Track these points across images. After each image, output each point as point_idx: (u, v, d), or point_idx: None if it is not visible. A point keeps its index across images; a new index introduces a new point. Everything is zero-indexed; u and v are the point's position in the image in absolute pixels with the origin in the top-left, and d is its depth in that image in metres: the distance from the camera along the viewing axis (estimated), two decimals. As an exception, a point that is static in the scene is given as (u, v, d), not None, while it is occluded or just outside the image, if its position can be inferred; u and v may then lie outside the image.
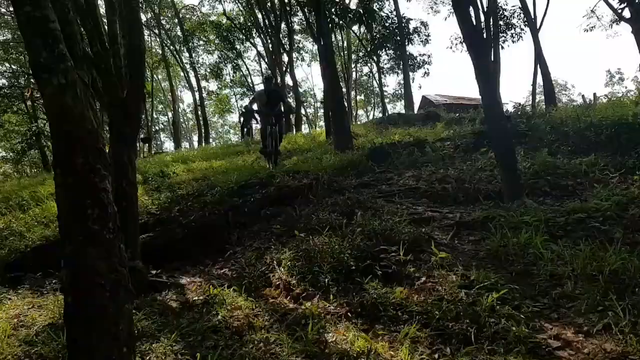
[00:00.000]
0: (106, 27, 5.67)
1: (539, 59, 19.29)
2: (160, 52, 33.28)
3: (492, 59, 19.64)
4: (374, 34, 26.71)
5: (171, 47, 31.98)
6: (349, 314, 3.99)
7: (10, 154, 26.86)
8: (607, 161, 7.17)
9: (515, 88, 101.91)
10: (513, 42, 23.60)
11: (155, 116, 42.10)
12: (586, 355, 3.01)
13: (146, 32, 29.69)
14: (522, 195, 6.31)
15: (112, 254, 2.18)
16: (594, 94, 19.41)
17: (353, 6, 22.52)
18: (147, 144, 30.42)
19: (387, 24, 26.03)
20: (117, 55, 5.31)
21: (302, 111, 31.97)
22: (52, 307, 4.45)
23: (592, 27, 24.86)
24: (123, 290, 2.20)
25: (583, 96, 20.46)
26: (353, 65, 37.85)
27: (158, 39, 32.60)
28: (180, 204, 7.79)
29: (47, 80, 2.13)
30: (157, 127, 45.58)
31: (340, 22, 20.13)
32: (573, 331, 3.34)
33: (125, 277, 2.24)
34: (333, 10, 17.54)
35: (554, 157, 7.84)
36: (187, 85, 36.83)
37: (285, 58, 28.42)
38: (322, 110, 45.31)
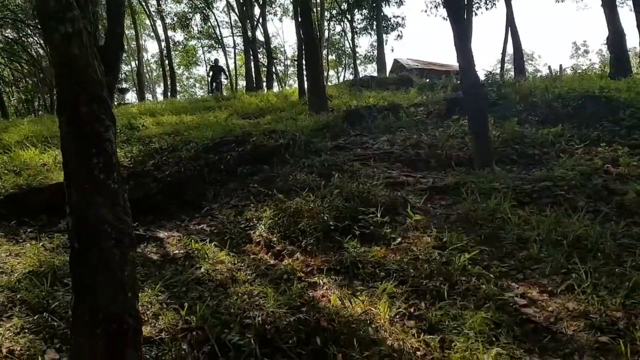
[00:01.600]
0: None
1: (511, 27, 19.48)
2: (125, -2, 31.71)
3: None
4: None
5: (138, -6, 30.51)
6: (329, 270, 4.18)
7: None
8: (573, 132, 7.50)
9: (484, 56, 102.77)
10: (487, 9, 23.70)
11: (119, 65, 40.40)
12: (550, 313, 3.30)
13: (110, -24, 28.10)
14: (491, 162, 6.57)
15: (117, 203, 2.24)
16: (560, 66, 19.88)
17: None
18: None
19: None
20: (95, 2, 5.11)
21: (273, 68, 31.32)
22: (32, 255, 4.44)
23: (564, -2, 25.14)
24: (127, 238, 2.27)
25: (549, 67, 20.88)
26: (326, 24, 37.19)
27: (123, -16, 30.97)
28: (154, 158, 7.71)
29: (54, 28, 2.12)
30: (120, 77, 43.89)
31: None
32: (538, 291, 3.64)
33: (129, 226, 2.30)
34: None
35: (522, 126, 8.14)
36: (152, 34, 35.48)
37: (257, 11, 27.65)
38: (292, 68, 44.74)
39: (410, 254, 4.24)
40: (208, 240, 4.98)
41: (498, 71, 22.53)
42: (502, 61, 24.32)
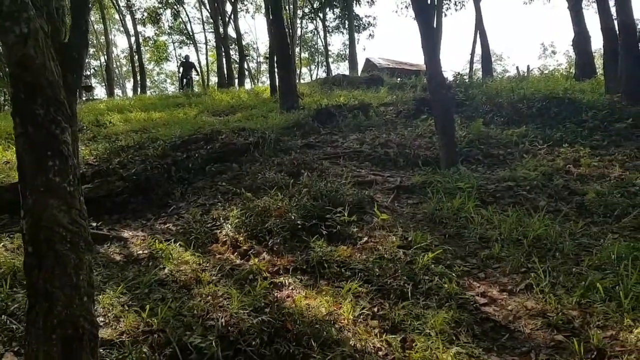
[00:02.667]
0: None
1: (479, 29, 19.86)
2: (94, -9, 30.93)
3: (435, 26, 20.06)
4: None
5: (106, -13, 29.80)
6: (295, 270, 4.18)
7: None
8: (537, 133, 7.71)
9: (454, 57, 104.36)
10: (456, 10, 24.10)
11: (86, 60, 39.47)
12: (509, 312, 3.39)
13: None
14: (457, 162, 6.69)
15: (73, 206, 2.18)
16: (528, 66, 20.41)
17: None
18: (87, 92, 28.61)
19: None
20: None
21: (245, 65, 31.05)
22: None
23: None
24: (83, 241, 2.22)
25: (517, 67, 21.36)
26: (298, 21, 37.12)
27: (92, -23, 30.23)
28: (120, 156, 7.57)
29: (9, 28, 2.05)
30: (88, 72, 42.79)
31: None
32: (498, 289, 3.72)
33: (85, 229, 2.25)
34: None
35: (488, 127, 8.32)
36: (121, 29, 34.71)
37: (228, 7, 27.37)
38: (264, 65, 44.45)
39: (375, 253, 4.27)
40: (173, 240, 4.91)
41: (467, 72, 22.97)
42: (471, 62, 24.76)
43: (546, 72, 19.15)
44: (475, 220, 4.81)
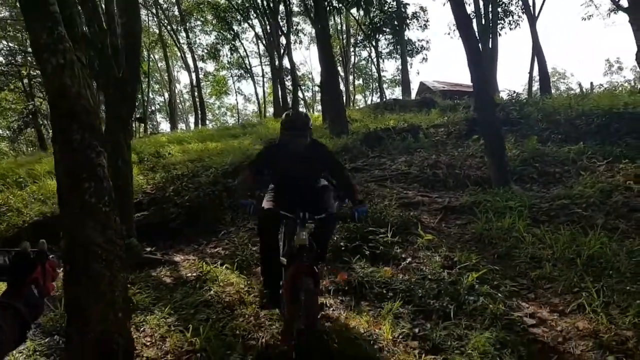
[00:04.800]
0: (103, 6, 5.73)
1: (536, 47, 19.29)
2: (157, 31, 32.98)
3: (490, 46, 19.71)
4: (372, 17, 26.59)
5: (168, 27, 31.69)
6: (336, 290, 4.15)
7: (7, 132, 26.77)
8: (596, 149, 7.32)
9: (514, 76, 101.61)
10: (510, 29, 23.57)
11: (151, 96, 41.83)
12: (559, 333, 3.19)
13: (143, 12, 29.39)
14: (509, 181, 6.46)
15: (108, 226, 2.31)
16: (591, 83, 19.45)
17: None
18: (142, 124, 30.36)
19: (385, 8, 25.90)
20: (114, 35, 5.38)
21: (300, 95, 31.85)
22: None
23: (590, 16, 24.89)
24: (118, 259, 2.34)
25: (580, 85, 20.48)
26: (352, 49, 37.73)
27: (155, 19, 32.27)
28: (175, 184, 7.91)
29: (47, 60, 2.25)
30: (153, 108, 45.31)
31: (339, 5, 20.03)
32: (548, 310, 3.52)
33: (120, 248, 2.38)
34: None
35: (543, 144, 7.99)
36: (183, 65, 36.66)
37: (283, 40, 28.30)
38: (319, 95, 45.34)
39: (418, 274, 4.18)
40: (220, 262, 5.04)
41: (526, 91, 22.24)
42: (530, 81, 23.95)
43: (611, 88, 18.18)
44: (527, 240, 4.60)
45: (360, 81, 46.83)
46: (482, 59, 7.91)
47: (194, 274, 4.93)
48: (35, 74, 23.80)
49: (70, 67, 2.26)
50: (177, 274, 5.09)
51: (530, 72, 22.97)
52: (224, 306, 4.07)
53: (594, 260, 4.02)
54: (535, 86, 24.89)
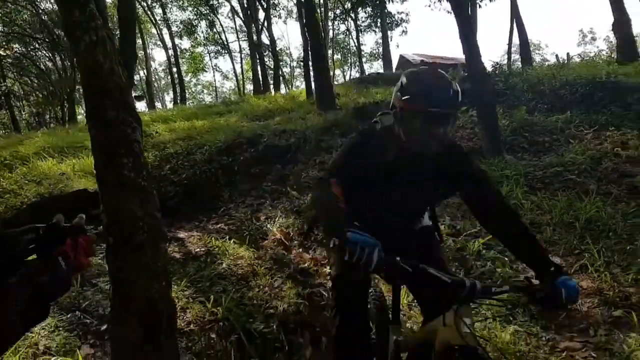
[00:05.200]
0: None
1: (516, 17, 19.41)
2: (131, 8, 32.09)
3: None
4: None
5: (143, 3, 30.86)
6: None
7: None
8: (582, 118, 7.52)
9: (491, 47, 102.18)
10: (490, 0, 23.58)
11: (127, 75, 40.81)
12: (565, 291, 3.37)
13: (115, -13, 28.49)
14: (502, 151, 6.63)
15: (147, 200, 2.36)
16: (567, 54, 19.82)
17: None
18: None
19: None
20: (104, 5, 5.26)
21: (279, 71, 31.48)
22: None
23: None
24: (158, 231, 2.39)
25: (557, 55, 20.78)
26: (330, 23, 37.34)
27: (129, -5, 31.37)
28: (170, 163, 7.89)
29: (79, 37, 2.24)
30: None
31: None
32: (552, 271, 3.70)
33: (159, 220, 2.43)
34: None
35: (531, 115, 8.17)
36: (159, 43, 35.89)
37: (261, 14, 27.82)
38: (298, 70, 44.86)
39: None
40: (227, 237, 5.11)
41: (505, 62, 22.47)
42: (509, 52, 24.18)
43: (587, 58, 18.53)
44: (525, 206, 4.78)
45: (339, 55, 46.50)
46: (473, 30, 7.98)
47: (203, 249, 5.00)
48: (4, 54, 23.03)
49: (103, 44, 2.26)
50: (185, 249, 5.15)
51: (509, 43, 23.16)
52: (239, 278, 4.17)
53: (591, 223, 4.22)
54: (513, 57, 25.14)
